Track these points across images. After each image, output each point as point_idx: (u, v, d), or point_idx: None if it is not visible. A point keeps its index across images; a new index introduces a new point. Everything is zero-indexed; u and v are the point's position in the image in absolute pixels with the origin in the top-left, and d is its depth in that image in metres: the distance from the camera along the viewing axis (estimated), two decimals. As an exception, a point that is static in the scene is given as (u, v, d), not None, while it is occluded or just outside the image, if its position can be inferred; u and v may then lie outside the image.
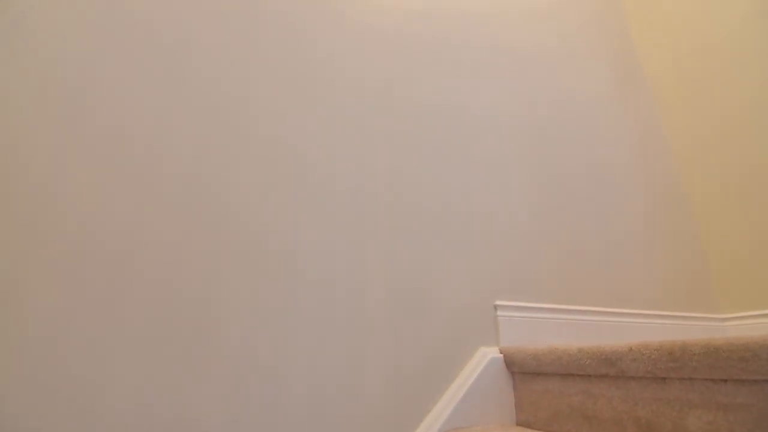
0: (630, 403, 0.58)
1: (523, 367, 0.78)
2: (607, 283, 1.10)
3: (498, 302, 0.90)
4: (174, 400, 0.56)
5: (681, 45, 1.55)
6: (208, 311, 0.61)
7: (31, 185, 0.55)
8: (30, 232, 0.53)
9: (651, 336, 1.09)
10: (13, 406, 0.47)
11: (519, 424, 0.77)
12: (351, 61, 0.93)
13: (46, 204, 0.55)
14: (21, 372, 0.48)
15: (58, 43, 0.63)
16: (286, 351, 0.65)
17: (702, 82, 1.46)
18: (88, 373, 0.52)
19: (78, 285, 0.54)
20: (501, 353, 0.84)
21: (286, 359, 0.65)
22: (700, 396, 0.50)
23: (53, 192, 0.56)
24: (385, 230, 0.83)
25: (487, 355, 0.82)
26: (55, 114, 0.59)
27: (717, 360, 0.47)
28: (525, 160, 1.11)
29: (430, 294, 0.83)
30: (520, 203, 1.05)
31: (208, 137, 0.70)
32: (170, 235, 0.62)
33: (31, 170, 0.56)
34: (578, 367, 0.65)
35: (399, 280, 0.80)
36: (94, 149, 0.61)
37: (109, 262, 0.57)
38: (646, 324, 1.10)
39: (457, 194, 0.96)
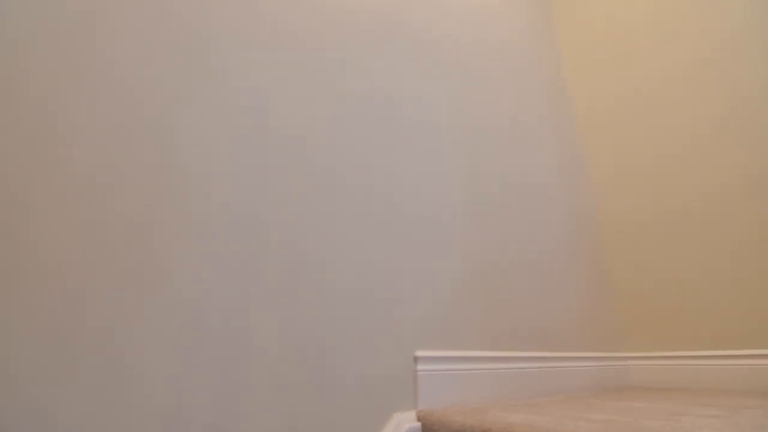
0: None
1: (445, 443, 0.62)
2: (530, 324, 1.02)
3: (419, 353, 0.74)
4: None
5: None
6: None
7: None
8: None
9: (573, 380, 1.04)
10: None
11: None
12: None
13: None
14: None
15: None
16: None
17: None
18: None
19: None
20: (419, 420, 0.68)
21: None
22: None
23: None
24: (277, 266, 0.62)
25: (403, 424, 0.65)
26: None
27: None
28: (454, 182, 0.99)
29: (334, 344, 0.64)
30: (444, 234, 0.92)
31: None
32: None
33: None
34: (516, 457, 0.51)
35: (295, 332, 0.60)
36: None
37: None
38: (569, 368, 1.05)
39: (375, 216, 0.79)
